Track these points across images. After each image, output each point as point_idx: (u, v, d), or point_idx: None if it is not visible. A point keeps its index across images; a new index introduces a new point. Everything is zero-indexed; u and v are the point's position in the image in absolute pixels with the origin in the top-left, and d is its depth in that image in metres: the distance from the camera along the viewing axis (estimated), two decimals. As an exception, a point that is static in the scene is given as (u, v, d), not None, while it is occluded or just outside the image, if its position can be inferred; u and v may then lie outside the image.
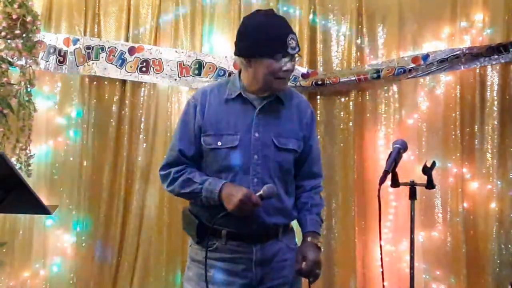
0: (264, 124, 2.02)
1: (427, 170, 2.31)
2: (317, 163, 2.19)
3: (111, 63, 4.07)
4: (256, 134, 2.00)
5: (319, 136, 3.95)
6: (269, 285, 2.08)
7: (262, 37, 1.95)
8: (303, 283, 2.20)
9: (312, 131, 2.15)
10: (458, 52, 3.73)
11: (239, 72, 2.11)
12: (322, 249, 2.13)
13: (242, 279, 2.05)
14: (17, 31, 3.75)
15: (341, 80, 3.85)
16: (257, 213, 1.97)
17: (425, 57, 3.77)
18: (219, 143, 2.01)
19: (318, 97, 4.01)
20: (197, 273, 2.07)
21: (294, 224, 2.21)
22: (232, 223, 1.99)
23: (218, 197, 1.95)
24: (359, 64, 3.95)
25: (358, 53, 3.97)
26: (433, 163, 2.33)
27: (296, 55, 2.00)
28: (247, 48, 2.00)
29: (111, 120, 4.15)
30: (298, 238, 2.18)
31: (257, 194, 1.91)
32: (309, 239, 2.06)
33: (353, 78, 3.84)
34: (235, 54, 2.06)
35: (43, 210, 2.20)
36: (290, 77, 2.09)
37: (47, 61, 4.07)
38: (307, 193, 2.16)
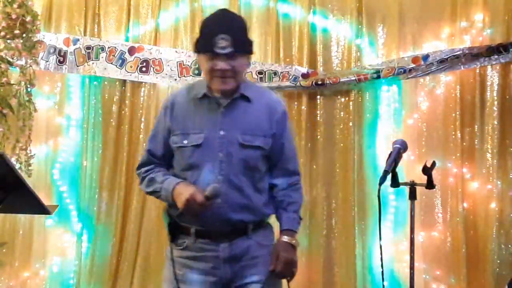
0: (229, 122, 2.03)
1: (427, 170, 2.31)
2: (292, 161, 2.17)
3: (111, 63, 4.07)
4: (222, 132, 2.01)
5: (319, 136, 3.97)
6: (241, 283, 2.06)
7: (200, 34, 2.02)
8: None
9: (284, 129, 2.12)
10: (458, 52, 3.73)
11: None
12: (297, 246, 2.06)
13: (212, 277, 2.05)
14: (17, 31, 3.74)
15: (341, 80, 3.85)
16: (221, 210, 1.98)
17: (425, 57, 3.78)
18: (185, 142, 2.03)
19: (318, 97, 4.01)
20: (170, 271, 2.09)
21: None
22: (199, 220, 2.02)
23: (172, 196, 2.00)
24: (359, 64, 3.95)
25: (358, 53, 3.98)
26: (433, 163, 2.33)
27: (232, 54, 1.95)
28: (194, 42, 2.08)
29: (111, 120, 4.15)
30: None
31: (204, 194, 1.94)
32: (283, 238, 2.06)
33: (353, 78, 3.84)
34: None
35: (43, 210, 2.21)
36: (236, 76, 2.00)
37: (47, 61, 4.07)
38: (284, 191, 2.14)
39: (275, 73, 3.95)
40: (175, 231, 2.09)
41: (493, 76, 3.81)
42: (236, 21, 2.06)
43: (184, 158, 2.05)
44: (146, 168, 2.16)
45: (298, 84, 3.90)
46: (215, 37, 1.94)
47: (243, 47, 2.00)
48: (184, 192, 1.94)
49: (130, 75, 4.08)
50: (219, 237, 2.03)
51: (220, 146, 2.01)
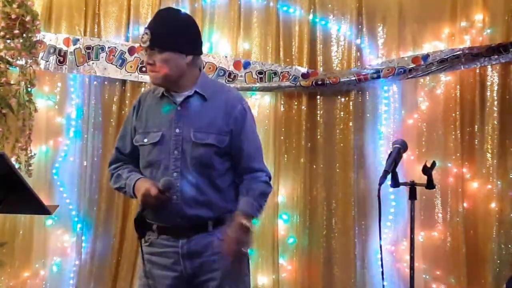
0: (184, 120, 2.06)
1: (427, 170, 2.31)
2: (256, 159, 2.15)
3: (111, 63, 4.07)
4: (177, 130, 2.05)
5: (319, 136, 3.96)
6: (203, 279, 2.08)
7: None
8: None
9: (244, 126, 2.10)
10: (458, 52, 3.73)
11: None
12: (249, 228, 2.01)
13: (173, 273, 2.09)
14: (17, 31, 3.74)
15: (341, 80, 3.85)
16: (178, 206, 2.03)
17: (425, 57, 3.78)
18: (145, 140, 2.10)
19: (318, 97, 4.01)
20: (141, 268, 2.16)
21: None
22: (160, 217, 2.07)
23: (133, 192, 2.08)
24: (359, 64, 3.95)
25: (358, 53, 3.98)
26: (433, 163, 2.33)
27: (150, 49, 2.05)
28: None
29: (111, 120, 4.15)
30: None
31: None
32: (234, 218, 2.02)
33: (353, 78, 3.84)
34: None
35: (43, 210, 2.21)
36: (159, 69, 2.04)
37: (47, 61, 4.07)
38: (245, 182, 2.12)
39: (275, 73, 3.95)
40: (143, 227, 2.13)
41: (493, 76, 3.80)
42: (166, 18, 2.13)
43: (144, 156, 2.12)
44: (114, 165, 2.25)
45: (298, 84, 3.90)
46: (144, 31, 2.12)
47: (160, 42, 2.04)
48: (141, 187, 2.02)
49: (130, 75, 4.07)
50: (178, 233, 2.07)
51: (175, 144, 2.05)
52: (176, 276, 2.09)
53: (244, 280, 2.15)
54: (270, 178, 2.18)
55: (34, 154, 3.88)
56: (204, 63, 3.98)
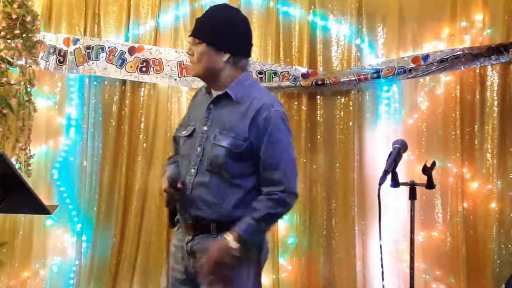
0: (214, 118, 2.07)
1: (427, 170, 2.31)
2: (274, 171, 1.99)
3: (111, 63, 4.07)
4: (205, 128, 2.07)
5: (319, 136, 3.96)
6: (200, 282, 2.06)
7: None
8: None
9: (267, 134, 1.99)
10: (458, 52, 3.73)
11: None
12: (234, 248, 1.92)
13: (180, 267, 2.11)
14: (17, 31, 3.74)
15: (341, 80, 3.85)
16: (186, 203, 2.05)
17: (425, 57, 3.77)
18: (183, 132, 2.15)
19: (318, 97, 4.01)
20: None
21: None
22: (179, 210, 2.13)
23: None
24: (359, 64, 3.95)
25: (358, 53, 3.98)
26: (433, 163, 2.33)
27: (193, 38, 2.07)
28: None
29: (111, 120, 4.15)
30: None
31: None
32: (223, 235, 1.96)
33: (353, 78, 3.84)
34: None
35: (43, 210, 2.21)
36: (196, 61, 2.05)
37: (47, 61, 4.07)
38: (260, 197, 2.02)
39: (275, 73, 3.95)
40: (173, 218, 2.18)
41: (493, 76, 3.80)
42: (215, 12, 2.13)
43: (179, 147, 2.18)
44: (171, 155, 2.31)
45: (298, 84, 3.90)
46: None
47: (201, 33, 2.05)
48: (162, 182, 2.10)
49: (130, 75, 4.07)
50: (186, 229, 2.09)
51: (200, 141, 2.06)
52: (182, 270, 2.10)
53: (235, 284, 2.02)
54: (291, 195, 2.01)
55: (33, 154, 3.88)
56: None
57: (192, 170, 2.04)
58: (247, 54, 2.12)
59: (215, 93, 2.09)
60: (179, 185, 2.01)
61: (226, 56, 2.03)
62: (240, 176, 2.02)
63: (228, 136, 2.00)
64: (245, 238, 1.94)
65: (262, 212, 1.97)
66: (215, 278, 1.95)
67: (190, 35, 2.08)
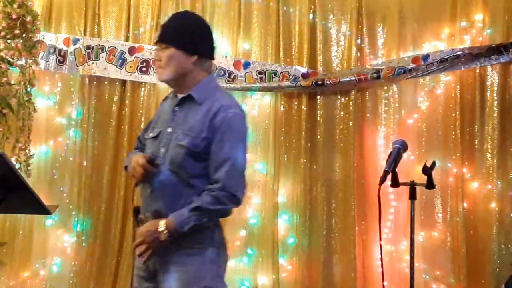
0: (178, 120, 2.12)
1: (427, 170, 2.31)
2: (221, 170, 2.02)
3: (111, 63, 4.07)
4: (169, 129, 2.12)
5: (319, 136, 3.97)
6: (160, 278, 2.08)
7: None
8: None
9: (221, 134, 2.03)
10: (458, 52, 3.73)
11: None
12: (162, 232, 2.00)
13: (144, 267, 2.12)
14: (17, 31, 3.74)
15: (341, 80, 3.85)
16: (149, 200, 2.11)
17: (425, 57, 3.78)
18: (150, 134, 2.20)
19: (318, 97, 4.01)
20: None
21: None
22: (142, 208, 2.16)
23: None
24: (359, 64, 3.95)
25: (358, 53, 3.98)
26: (433, 163, 2.33)
27: (159, 44, 2.12)
28: None
29: (111, 120, 4.15)
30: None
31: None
32: (160, 220, 2.03)
33: (353, 78, 3.84)
34: None
35: (43, 210, 2.21)
36: (165, 65, 2.09)
37: (47, 61, 4.07)
38: (202, 193, 2.06)
39: (275, 73, 3.95)
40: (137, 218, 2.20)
41: (493, 76, 3.81)
42: (178, 18, 2.21)
43: (147, 148, 2.21)
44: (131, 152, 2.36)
45: (298, 84, 3.90)
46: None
47: (167, 37, 2.10)
48: (132, 159, 2.13)
49: (130, 75, 4.07)
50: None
51: (164, 142, 2.12)
52: (145, 269, 2.12)
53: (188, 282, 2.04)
54: (228, 195, 2.02)
55: (33, 154, 3.88)
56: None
57: (156, 170, 2.10)
58: (212, 56, 2.19)
59: (180, 96, 2.16)
60: (157, 161, 2.07)
61: (193, 58, 2.10)
62: (198, 176, 2.07)
63: (189, 136, 2.06)
64: (175, 225, 2.00)
65: (195, 204, 2.01)
66: (140, 252, 2.04)
67: (156, 42, 2.13)
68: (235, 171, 2.05)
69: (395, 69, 3.80)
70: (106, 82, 4.18)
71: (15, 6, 3.73)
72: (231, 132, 2.06)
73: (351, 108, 3.96)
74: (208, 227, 2.06)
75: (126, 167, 2.23)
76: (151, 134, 2.18)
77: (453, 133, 3.82)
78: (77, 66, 4.09)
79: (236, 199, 2.05)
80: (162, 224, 2.00)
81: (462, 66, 3.78)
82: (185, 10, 2.37)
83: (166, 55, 2.08)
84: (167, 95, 2.32)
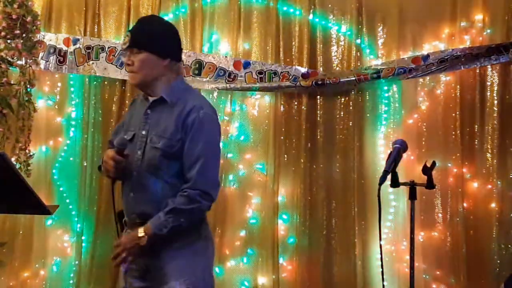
0: (151, 122, 2.16)
1: (427, 170, 2.31)
2: (194, 169, 2.06)
3: (111, 63, 4.07)
4: (143, 132, 2.15)
5: (319, 136, 3.97)
6: (152, 277, 2.10)
7: None
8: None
9: (194, 135, 2.08)
10: (458, 53, 3.73)
11: None
12: (141, 238, 2.05)
13: (134, 265, 2.14)
14: (17, 31, 3.74)
15: (341, 80, 3.85)
16: (132, 202, 2.15)
17: (425, 57, 3.78)
18: (125, 137, 2.20)
19: (318, 97, 4.01)
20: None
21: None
22: (125, 211, 2.21)
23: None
24: (359, 64, 3.95)
25: (358, 53, 3.98)
26: (433, 163, 2.33)
27: (131, 49, 2.13)
28: None
29: (111, 120, 4.15)
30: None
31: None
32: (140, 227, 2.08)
33: (353, 78, 3.84)
34: None
35: (43, 210, 2.21)
36: (137, 70, 2.12)
37: (47, 61, 4.06)
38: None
39: (275, 73, 3.95)
40: (122, 221, 2.25)
41: (493, 76, 3.81)
42: (147, 22, 2.24)
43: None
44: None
45: (298, 84, 3.90)
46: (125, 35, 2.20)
47: (139, 42, 2.12)
48: (104, 156, 2.16)
49: (130, 75, 4.07)
50: (133, 227, 2.13)
51: (139, 145, 2.14)
52: (136, 269, 2.13)
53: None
54: (202, 193, 2.06)
55: (33, 154, 3.88)
56: (204, 63, 3.99)
57: (135, 173, 2.12)
58: (180, 58, 2.24)
59: (151, 99, 2.18)
60: (126, 152, 2.10)
61: (166, 62, 2.14)
62: (176, 175, 2.10)
63: (163, 138, 2.10)
64: (153, 230, 2.04)
65: (170, 207, 2.05)
66: (120, 260, 2.08)
67: (128, 47, 2.13)
68: (206, 170, 2.09)
69: (395, 69, 3.80)
70: (106, 82, 4.18)
71: (15, 6, 3.73)
72: (203, 131, 2.10)
73: (351, 108, 3.96)
74: (195, 223, 2.12)
75: (99, 167, 2.25)
76: (125, 137, 2.19)
77: (453, 133, 3.82)
78: (77, 66, 4.08)
79: (209, 197, 2.09)
80: (141, 231, 2.05)
81: (462, 66, 3.78)
82: (152, 15, 2.42)
83: (139, 59, 2.11)
84: (135, 98, 2.37)
